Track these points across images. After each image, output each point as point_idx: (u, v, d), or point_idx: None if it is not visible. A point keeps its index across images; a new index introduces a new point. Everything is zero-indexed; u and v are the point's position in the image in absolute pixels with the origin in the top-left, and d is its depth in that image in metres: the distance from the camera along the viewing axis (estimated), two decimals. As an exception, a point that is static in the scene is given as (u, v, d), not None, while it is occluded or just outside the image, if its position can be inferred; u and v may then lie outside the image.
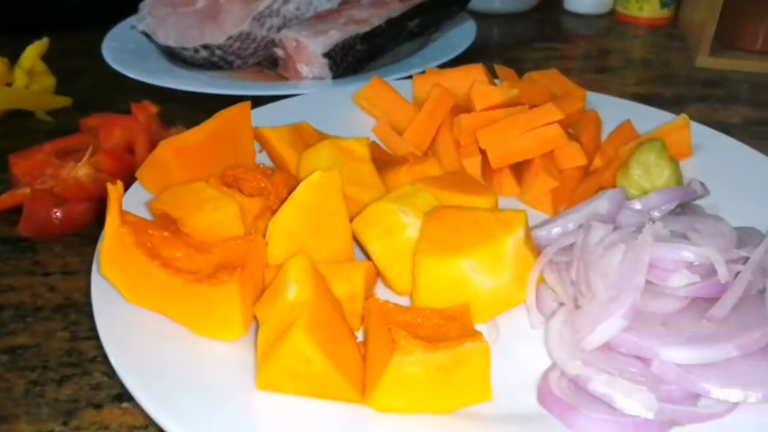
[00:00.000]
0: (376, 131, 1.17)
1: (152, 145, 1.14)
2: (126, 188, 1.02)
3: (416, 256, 0.75)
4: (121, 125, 1.15)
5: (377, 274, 0.82)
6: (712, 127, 1.16)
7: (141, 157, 1.11)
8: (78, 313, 0.87)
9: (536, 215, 0.99)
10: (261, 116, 1.16)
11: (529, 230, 0.81)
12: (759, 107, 1.45)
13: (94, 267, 0.77)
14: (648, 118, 1.18)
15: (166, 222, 0.80)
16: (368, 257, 0.83)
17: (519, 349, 0.74)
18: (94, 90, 1.52)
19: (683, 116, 1.08)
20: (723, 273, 0.66)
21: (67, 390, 0.75)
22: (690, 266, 0.69)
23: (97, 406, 0.73)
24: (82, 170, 1.01)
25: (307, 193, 0.81)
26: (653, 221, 0.82)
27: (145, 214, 0.87)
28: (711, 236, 0.72)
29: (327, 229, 0.80)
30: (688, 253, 0.68)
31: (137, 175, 0.92)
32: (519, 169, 1.04)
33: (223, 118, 0.94)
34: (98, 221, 1.04)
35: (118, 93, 1.48)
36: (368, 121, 1.21)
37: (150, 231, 0.75)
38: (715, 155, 1.08)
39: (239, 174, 0.90)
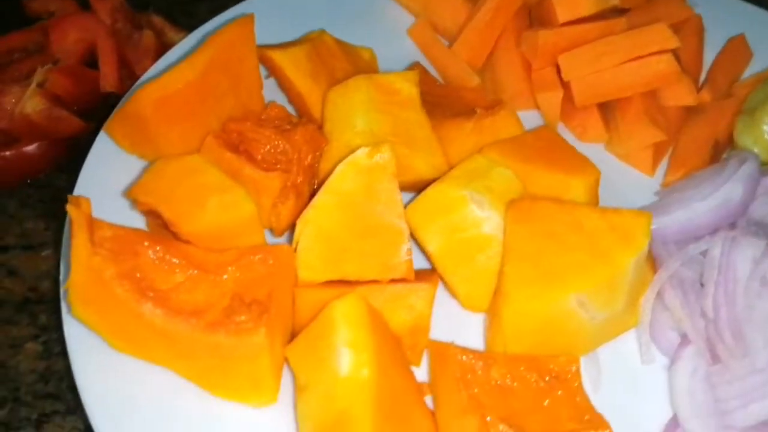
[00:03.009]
0: (413, 34, 0.90)
1: (120, 52, 0.87)
2: (92, 120, 0.78)
3: (502, 285, 0.56)
4: (77, 25, 0.86)
5: (438, 278, 0.63)
6: None
7: (107, 72, 0.85)
8: (48, 312, 0.68)
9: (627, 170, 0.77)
10: (258, 14, 0.86)
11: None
12: None
13: (62, 296, 0.56)
14: (760, 22, 0.92)
15: (155, 221, 0.59)
16: (427, 257, 0.64)
17: (627, 394, 0.58)
18: (37, -52, 1.17)
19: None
20: None
21: (48, 437, 0.59)
22: None
23: (91, 465, 0.57)
24: (30, 104, 0.75)
25: (347, 179, 0.58)
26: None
27: (120, 177, 0.64)
28: None
29: (376, 230, 0.59)
30: None
31: (105, 129, 0.68)
32: (608, 107, 0.80)
33: (218, 44, 0.67)
34: (59, 164, 0.80)
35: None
36: (403, 17, 0.92)
37: (136, 247, 0.53)
38: None
39: (246, 131, 0.66)
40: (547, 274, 0.55)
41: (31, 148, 0.79)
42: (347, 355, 0.48)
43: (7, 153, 0.78)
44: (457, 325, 0.62)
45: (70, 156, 0.80)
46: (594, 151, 0.78)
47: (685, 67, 0.84)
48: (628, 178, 0.77)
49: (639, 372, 0.60)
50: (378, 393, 0.47)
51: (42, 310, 0.68)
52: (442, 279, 0.63)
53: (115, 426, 0.51)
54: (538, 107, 0.81)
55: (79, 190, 0.64)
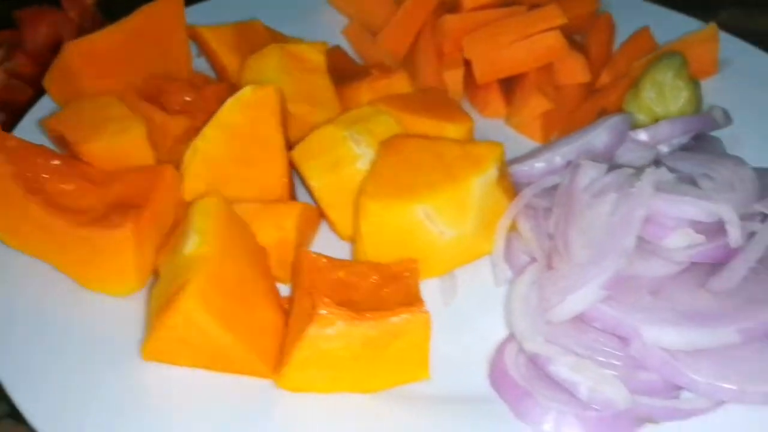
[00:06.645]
0: (347, 33, 0.99)
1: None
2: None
3: (360, 199, 0.62)
4: (48, 20, 0.98)
5: (321, 215, 0.69)
6: (747, 36, 0.97)
7: (69, 59, 0.95)
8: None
9: (526, 143, 0.83)
10: (202, 13, 0.96)
11: (505, 167, 0.66)
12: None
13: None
14: (670, 25, 0.99)
15: (64, 147, 0.67)
16: (311, 195, 0.70)
17: (477, 311, 0.62)
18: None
19: (711, 26, 0.89)
20: (735, 236, 0.52)
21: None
22: (694, 223, 0.55)
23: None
24: (-9, 76, 0.86)
25: (233, 113, 0.66)
26: (659, 159, 0.67)
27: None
28: (727, 186, 0.56)
29: (257, 159, 0.66)
30: (694, 208, 0.53)
31: (44, 83, 0.77)
32: (511, 86, 0.87)
33: (146, 14, 0.77)
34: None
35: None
36: (341, 20, 1.02)
37: (37, 159, 0.61)
38: (744, 74, 0.89)
39: (164, 85, 0.75)
40: (400, 190, 0.61)
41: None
42: (194, 237, 0.54)
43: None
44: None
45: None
46: (497, 126, 0.85)
47: (595, 60, 0.92)
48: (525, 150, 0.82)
49: (493, 293, 0.63)
50: (216, 271, 0.52)
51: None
52: (324, 214, 0.68)
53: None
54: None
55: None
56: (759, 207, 0.55)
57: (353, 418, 0.52)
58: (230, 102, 0.66)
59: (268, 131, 0.66)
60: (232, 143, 0.66)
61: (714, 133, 0.76)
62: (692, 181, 0.58)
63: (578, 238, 0.56)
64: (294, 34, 0.93)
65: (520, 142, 0.83)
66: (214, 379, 0.54)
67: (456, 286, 0.63)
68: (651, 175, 0.55)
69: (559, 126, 0.85)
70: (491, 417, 0.53)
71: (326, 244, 0.69)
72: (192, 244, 0.53)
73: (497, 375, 0.54)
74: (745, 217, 0.56)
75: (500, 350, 0.56)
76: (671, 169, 0.62)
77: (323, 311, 0.50)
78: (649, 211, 0.54)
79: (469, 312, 0.62)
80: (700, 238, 0.54)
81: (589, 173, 0.60)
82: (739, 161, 0.62)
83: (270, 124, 0.66)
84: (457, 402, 0.54)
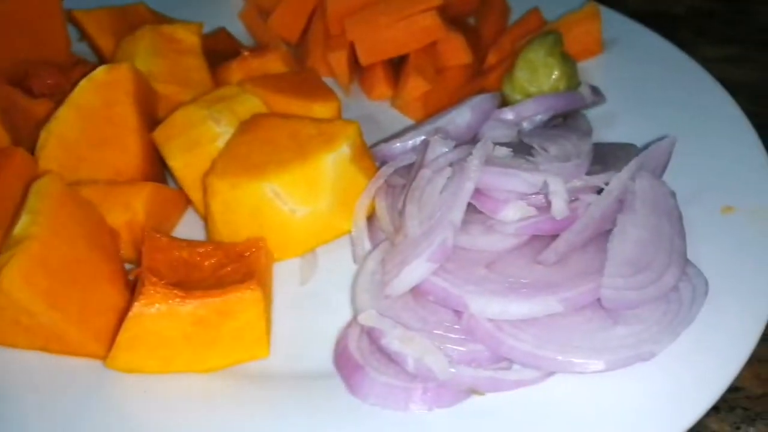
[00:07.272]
0: (243, 16, 0.99)
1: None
2: None
3: (208, 178, 0.62)
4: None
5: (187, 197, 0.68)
6: (652, 18, 0.99)
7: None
8: None
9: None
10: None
11: (363, 146, 0.67)
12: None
13: None
14: (565, 6, 1.00)
15: None
16: (171, 176, 0.69)
17: (336, 290, 0.62)
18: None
19: (591, 4, 0.90)
20: (559, 207, 0.53)
21: None
22: (528, 196, 0.56)
23: None
24: None
25: (87, 94, 0.65)
26: (521, 137, 0.68)
27: None
28: (560, 158, 0.58)
29: (111, 140, 0.65)
30: (518, 179, 0.54)
31: None
32: (398, 68, 0.88)
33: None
34: None
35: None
36: (239, 4, 1.01)
37: None
38: (628, 54, 0.91)
39: (32, 69, 0.74)
40: (248, 168, 0.61)
41: None
42: (25, 217, 0.53)
43: None
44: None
45: None
46: (382, 108, 0.85)
47: (486, 42, 0.93)
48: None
49: (354, 272, 0.64)
50: (44, 250, 0.51)
51: None
52: (187, 195, 0.68)
53: None
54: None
55: None
56: (590, 180, 0.56)
57: (188, 397, 0.52)
58: (83, 83, 0.66)
59: (123, 111, 0.66)
60: (86, 124, 0.65)
61: (593, 111, 0.78)
62: (529, 155, 0.58)
63: (416, 213, 0.56)
64: (191, 18, 0.91)
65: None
66: (50, 361, 0.53)
67: (315, 265, 0.64)
68: (481, 149, 0.56)
69: (441, 107, 0.85)
70: (329, 393, 0.53)
71: (195, 227, 0.69)
72: (22, 224, 0.53)
73: (339, 351, 0.55)
74: (580, 192, 0.57)
75: (346, 327, 0.57)
76: (523, 145, 0.63)
77: (148, 290, 0.50)
78: (478, 184, 0.55)
79: (327, 290, 0.63)
80: (531, 210, 0.55)
81: (436, 150, 0.61)
82: (583, 135, 0.63)
83: (124, 104, 0.66)
84: (299, 379, 0.54)
